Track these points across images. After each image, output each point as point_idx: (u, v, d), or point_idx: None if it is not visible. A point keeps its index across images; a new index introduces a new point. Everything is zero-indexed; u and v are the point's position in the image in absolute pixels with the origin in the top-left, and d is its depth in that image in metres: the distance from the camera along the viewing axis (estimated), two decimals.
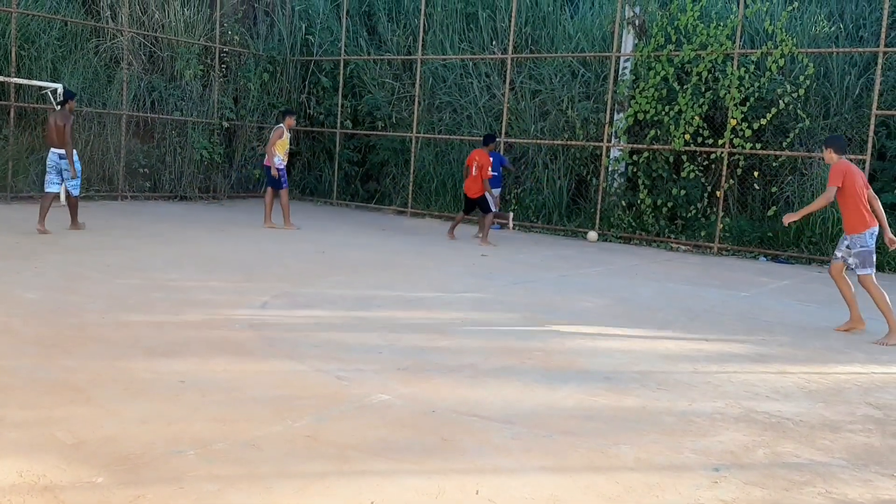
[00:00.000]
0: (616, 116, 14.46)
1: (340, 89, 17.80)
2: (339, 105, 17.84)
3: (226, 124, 17.09)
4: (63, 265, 8.05)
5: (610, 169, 14.56)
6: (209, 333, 5.75)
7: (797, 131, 13.05)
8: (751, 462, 3.91)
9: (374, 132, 17.70)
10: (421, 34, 16.67)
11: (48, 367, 4.68)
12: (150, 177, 16.26)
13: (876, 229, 7.16)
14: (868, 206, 7.20)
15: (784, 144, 13.16)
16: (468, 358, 5.52)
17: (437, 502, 3.23)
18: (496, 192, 13.98)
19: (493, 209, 13.41)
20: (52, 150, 10.37)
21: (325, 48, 18.33)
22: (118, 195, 15.45)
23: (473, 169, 12.32)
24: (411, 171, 16.79)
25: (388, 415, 4.23)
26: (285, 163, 12.70)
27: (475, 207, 12.72)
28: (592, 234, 14.06)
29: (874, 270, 7.12)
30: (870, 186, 7.37)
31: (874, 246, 7.15)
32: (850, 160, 12.62)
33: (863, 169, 12.48)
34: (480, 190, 12.32)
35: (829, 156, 7.36)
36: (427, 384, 4.85)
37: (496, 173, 13.50)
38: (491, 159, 12.51)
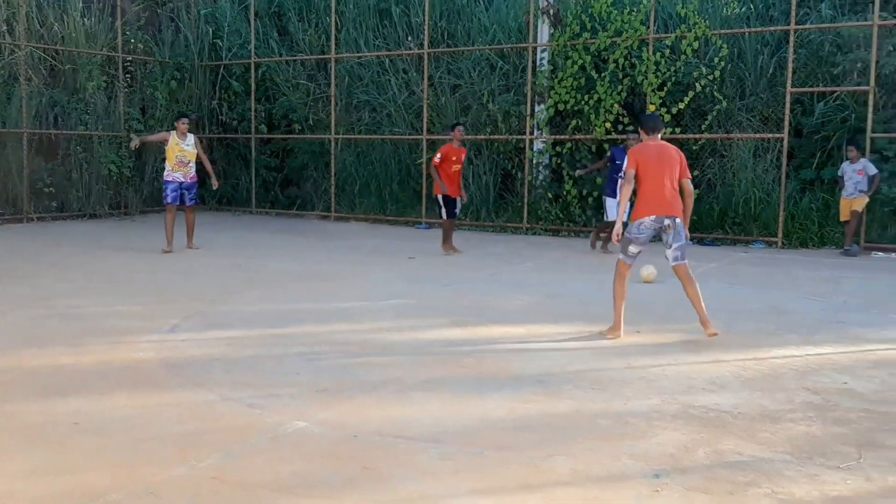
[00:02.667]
0: (537, 108, 14.33)
1: (253, 93, 17.22)
2: (253, 109, 17.25)
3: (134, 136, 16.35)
4: None
5: (534, 161, 14.42)
6: (111, 365, 5.29)
7: (715, 113, 13.12)
8: (692, 464, 3.71)
9: (291, 136, 17.20)
10: (333, 32, 16.24)
11: None
12: (57, 196, 15.43)
13: (646, 221, 6.27)
14: (662, 195, 6.28)
15: (703, 127, 13.22)
16: (394, 372, 5.20)
17: None
18: (611, 202, 11.01)
19: (611, 217, 10.92)
20: None
21: (234, 51, 17.71)
22: (23, 217, 14.61)
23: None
24: (332, 173, 16.36)
25: (305, 445, 3.88)
26: (175, 174, 11.02)
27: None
28: (648, 272, 9.04)
29: (626, 260, 6.37)
30: (687, 174, 6.47)
31: (637, 237, 6.31)
32: (769, 139, 12.87)
33: (780, 147, 12.63)
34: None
35: (642, 136, 6.57)
36: (348, 406, 4.51)
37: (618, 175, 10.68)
38: (456, 151, 10.92)
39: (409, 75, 15.96)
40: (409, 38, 16.07)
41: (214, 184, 11.61)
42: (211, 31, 17.82)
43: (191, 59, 17.66)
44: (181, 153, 11.07)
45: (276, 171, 17.61)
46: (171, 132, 11.19)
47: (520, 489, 3.43)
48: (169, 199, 11.09)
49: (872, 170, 11.49)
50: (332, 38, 16.27)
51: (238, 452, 3.77)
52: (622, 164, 10.23)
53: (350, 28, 16.54)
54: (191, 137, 11.17)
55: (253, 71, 17.18)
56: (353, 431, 4.06)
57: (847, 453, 3.85)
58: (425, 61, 15.24)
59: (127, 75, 16.57)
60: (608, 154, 11.61)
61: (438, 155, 10.88)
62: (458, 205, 11.25)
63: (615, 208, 10.40)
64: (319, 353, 5.67)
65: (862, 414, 4.45)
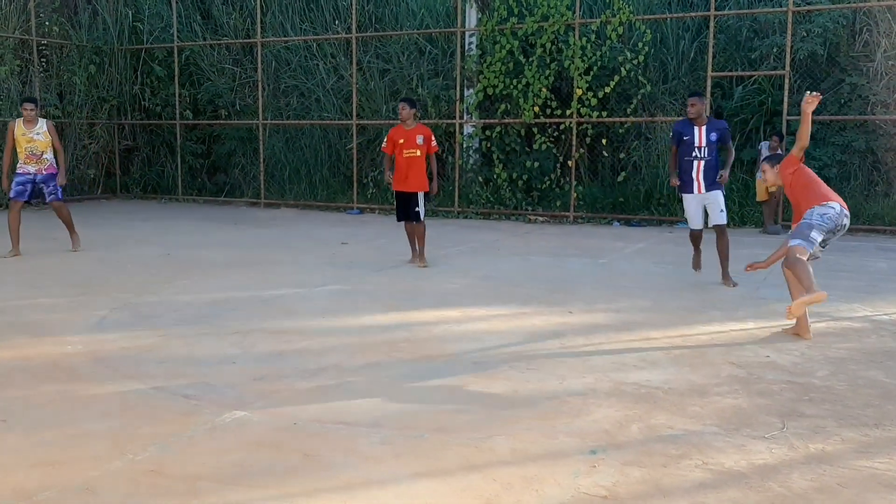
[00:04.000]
0: (466, 92, 14.38)
1: (177, 78, 16.79)
2: (177, 95, 16.83)
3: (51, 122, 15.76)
4: None
5: (464, 146, 14.49)
6: (37, 360, 5.13)
7: (639, 97, 13.39)
8: (626, 440, 3.82)
9: (218, 121, 16.86)
10: (259, 16, 15.95)
11: None
12: None
13: (837, 208, 5.85)
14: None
15: (628, 111, 13.49)
16: (331, 358, 5.20)
17: None
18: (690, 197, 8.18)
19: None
20: None
21: (156, 35, 17.22)
22: None
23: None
24: (261, 160, 16.12)
25: (244, 434, 3.86)
26: (26, 167, 9.37)
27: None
28: None
29: (806, 247, 5.72)
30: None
31: (824, 225, 5.80)
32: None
33: None
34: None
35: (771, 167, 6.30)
36: (287, 393, 4.49)
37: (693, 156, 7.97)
38: (404, 133, 8.78)
39: (338, 60, 15.81)
40: (337, 22, 15.91)
41: (60, 180, 9.64)
42: (131, 14, 17.30)
43: (110, 42, 17.11)
44: (30, 144, 9.33)
45: (202, 157, 17.24)
46: (17, 120, 9.47)
47: (461, 470, 3.48)
48: (12, 194, 9.35)
49: None
50: (258, 21, 15.97)
51: (175, 444, 3.72)
52: (691, 138, 7.93)
53: (276, 11, 16.28)
54: (42, 124, 9.45)
55: (176, 55, 16.75)
56: (292, 419, 4.05)
57: (771, 423, 4.03)
58: (353, 45, 15.11)
59: (42, 59, 15.96)
60: (674, 131, 8.19)
61: (384, 141, 9.04)
62: (420, 201, 8.83)
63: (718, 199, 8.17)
64: (255, 341, 5.61)
65: (784, 385, 4.66)
